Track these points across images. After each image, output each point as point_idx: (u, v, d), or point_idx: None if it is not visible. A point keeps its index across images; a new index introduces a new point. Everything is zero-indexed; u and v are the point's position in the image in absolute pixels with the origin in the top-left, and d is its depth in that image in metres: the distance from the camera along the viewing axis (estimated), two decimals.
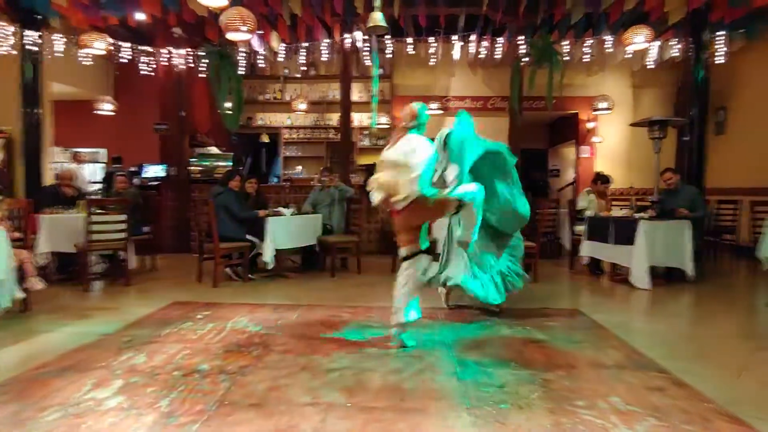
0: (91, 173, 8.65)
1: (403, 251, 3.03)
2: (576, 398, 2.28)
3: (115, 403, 2.20)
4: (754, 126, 7.44)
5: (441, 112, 9.09)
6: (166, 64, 7.14)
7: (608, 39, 6.96)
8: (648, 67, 7.44)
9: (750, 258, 5.92)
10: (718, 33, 6.79)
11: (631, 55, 7.15)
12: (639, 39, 5.89)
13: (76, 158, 8.39)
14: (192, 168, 7.86)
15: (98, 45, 6.03)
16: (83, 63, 6.74)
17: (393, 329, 3.03)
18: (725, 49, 6.91)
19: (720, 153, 7.84)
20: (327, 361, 2.78)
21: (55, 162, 7.58)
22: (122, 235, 4.81)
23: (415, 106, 3.05)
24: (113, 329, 3.35)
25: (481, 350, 3.00)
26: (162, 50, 7.10)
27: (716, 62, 6.81)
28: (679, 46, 6.98)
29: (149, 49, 7.10)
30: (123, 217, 4.80)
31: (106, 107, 7.97)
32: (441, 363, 2.77)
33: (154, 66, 7.19)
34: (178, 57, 7.14)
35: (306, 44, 7.29)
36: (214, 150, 8.70)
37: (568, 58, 7.23)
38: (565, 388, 2.40)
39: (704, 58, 6.53)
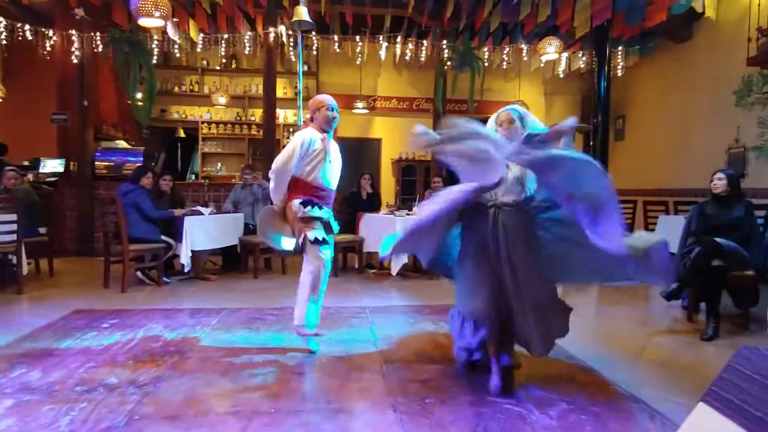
0: None
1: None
2: None
3: (4, 425, 1.94)
4: (647, 134, 8.28)
5: (366, 111, 9.14)
6: (66, 48, 6.47)
7: (524, 48, 7.42)
8: (558, 76, 8.04)
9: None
10: (618, 48, 7.50)
11: (543, 65, 7.69)
12: (551, 49, 6.34)
13: None
14: (97, 163, 7.19)
15: None
16: None
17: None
18: (623, 63, 7.66)
19: (619, 157, 8.63)
20: (249, 366, 2.66)
21: None
22: (11, 237, 4.28)
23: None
24: (3, 342, 2.97)
25: (407, 347, 3.04)
26: (61, 33, 6.42)
27: (616, 75, 7.52)
28: (585, 58, 7.63)
29: (45, 30, 6.40)
30: (13, 217, 4.28)
31: None
32: (367, 362, 2.77)
33: (52, 50, 6.49)
34: (81, 41, 6.50)
35: (227, 36, 6.98)
36: (122, 144, 8.02)
37: (487, 63, 7.61)
38: (486, 380, 2.49)
39: (606, 71, 7.17)
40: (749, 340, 3.28)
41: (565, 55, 7.57)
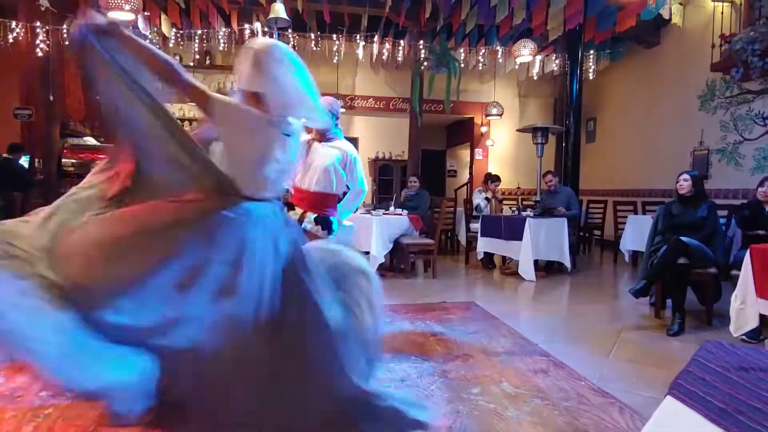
0: None
1: None
2: (472, 386, 2.41)
3: None
4: (616, 136, 8.52)
5: (344, 110, 9.10)
6: (30, 41, 6.23)
7: (499, 50, 7.53)
8: (532, 78, 8.19)
9: (614, 250, 6.79)
10: (589, 52, 7.68)
11: (518, 67, 7.82)
12: (525, 52, 6.45)
13: None
14: (64, 161, 6.94)
15: None
16: None
17: None
18: (594, 66, 7.86)
19: (590, 159, 8.85)
20: None
21: None
22: None
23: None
24: None
25: (384, 346, 3.04)
26: (24, 24, 6.18)
27: (587, 78, 7.70)
28: (558, 61, 7.79)
29: (7, 21, 6.15)
30: None
31: None
32: None
33: (14, 42, 6.24)
34: (45, 34, 6.27)
35: (200, 31, 6.84)
36: (90, 141, 7.77)
37: (463, 65, 7.69)
38: (462, 377, 2.52)
39: (578, 74, 7.34)
40: (713, 335, 3.41)
41: (539, 57, 7.72)
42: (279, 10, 5.03)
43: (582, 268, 6.19)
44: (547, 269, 5.71)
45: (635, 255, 6.20)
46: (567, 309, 4.47)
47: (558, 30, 6.51)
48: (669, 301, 3.71)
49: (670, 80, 7.16)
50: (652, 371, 2.70)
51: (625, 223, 6.30)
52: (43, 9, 6.24)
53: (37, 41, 6.24)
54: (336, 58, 7.47)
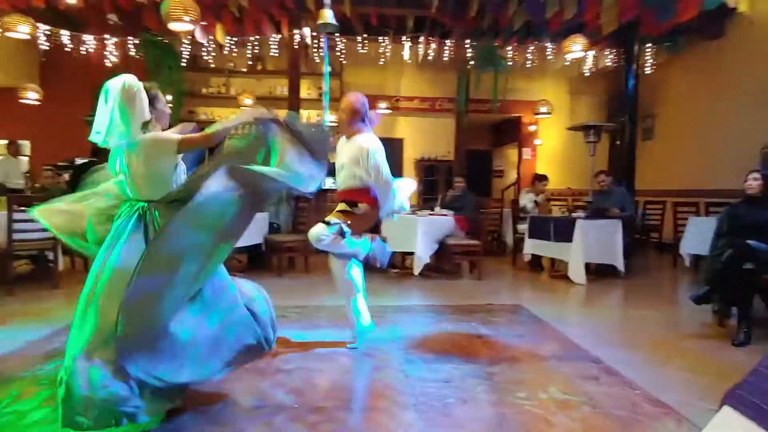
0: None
1: None
2: (518, 390, 2.37)
3: (40, 415, 2.04)
4: (678, 133, 8.06)
5: (389, 111, 9.16)
6: (100, 52, 6.71)
7: (548, 46, 7.32)
8: (584, 74, 7.90)
9: (674, 254, 6.43)
10: (646, 45, 7.32)
11: (568, 63, 7.57)
12: (576, 48, 6.23)
13: (12, 150, 7.34)
14: None
15: (22, 29, 5.57)
16: (5, 48, 6.21)
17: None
18: (652, 60, 7.48)
19: (648, 157, 8.43)
20: (274, 362, 2.72)
21: None
22: (48, 234, 4.46)
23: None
24: (39, 336, 3.11)
25: (428, 346, 3.06)
26: (95, 37, 6.66)
27: (645, 72, 7.34)
28: (612, 56, 7.47)
29: (80, 35, 6.65)
30: None
31: (31, 96, 7.36)
32: (389, 360, 2.79)
33: (86, 54, 6.75)
34: (113, 45, 6.73)
35: (253, 38, 7.11)
36: None
37: (511, 63, 7.53)
38: (508, 381, 2.49)
39: (634, 69, 7.01)
40: None
41: (591, 53, 7.43)
42: (327, 16, 5.15)
43: (637, 272, 5.91)
44: (598, 273, 5.50)
45: (696, 259, 5.83)
46: (620, 314, 4.29)
47: (612, 23, 6.24)
48: (734, 309, 3.48)
49: (736, 73, 6.70)
50: (713, 383, 2.53)
51: (685, 225, 5.95)
52: (111, 23, 6.71)
53: (106, 52, 6.71)
54: (382, 60, 7.53)
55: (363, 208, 2.86)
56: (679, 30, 7.04)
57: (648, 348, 3.13)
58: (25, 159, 7.25)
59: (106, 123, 2.08)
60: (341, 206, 2.90)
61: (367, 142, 2.86)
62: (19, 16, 5.58)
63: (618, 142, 7.04)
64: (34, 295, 4.43)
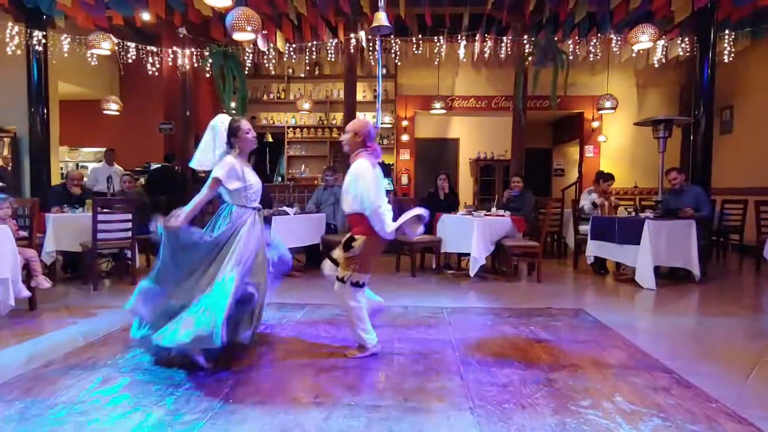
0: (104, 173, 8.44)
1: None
2: (580, 398, 2.27)
3: (121, 400, 2.22)
4: (761, 126, 7.39)
5: (444, 111, 9.09)
6: (171, 63, 7.18)
7: (613, 38, 6.94)
8: (652, 66, 7.43)
9: (756, 258, 5.90)
10: (724, 32, 6.76)
11: (635, 55, 7.13)
12: (644, 38, 5.86)
13: (107, 157, 7.60)
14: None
15: (105, 45, 6.06)
16: (89, 63, 6.78)
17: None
18: (730, 48, 6.89)
19: (726, 153, 7.79)
20: (331, 359, 2.78)
21: (63, 161, 7.52)
22: (127, 234, 4.84)
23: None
24: (119, 327, 3.37)
25: (484, 349, 3.00)
26: (167, 50, 7.13)
27: (722, 61, 6.78)
28: (684, 45, 6.96)
29: (154, 49, 7.14)
30: (128, 216, 4.83)
31: (112, 107, 8.00)
32: (445, 362, 2.77)
33: (159, 66, 7.23)
34: (183, 57, 7.17)
35: (311, 44, 7.31)
36: None
37: (572, 57, 7.22)
38: (570, 388, 2.39)
39: (710, 57, 6.50)
40: None
41: (661, 42, 6.97)
42: (382, 18, 5.18)
43: (714, 276, 5.48)
44: (670, 277, 5.15)
45: None
46: (695, 322, 3.99)
47: (685, 10, 5.84)
48: None
49: None
50: None
51: None
52: (181, 36, 7.15)
53: (177, 63, 7.16)
54: (437, 60, 7.48)
55: (358, 243, 2.74)
56: (762, 13, 6.44)
57: (727, 359, 2.90)
58: (120, 168, 7.65)
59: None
60: (345, 237, 2.84)
61: (355, 168, 2.77)
62: (101, 33, 6.08)
63: (692, 137, 6.56)
64: (115, 290, 4.82)
